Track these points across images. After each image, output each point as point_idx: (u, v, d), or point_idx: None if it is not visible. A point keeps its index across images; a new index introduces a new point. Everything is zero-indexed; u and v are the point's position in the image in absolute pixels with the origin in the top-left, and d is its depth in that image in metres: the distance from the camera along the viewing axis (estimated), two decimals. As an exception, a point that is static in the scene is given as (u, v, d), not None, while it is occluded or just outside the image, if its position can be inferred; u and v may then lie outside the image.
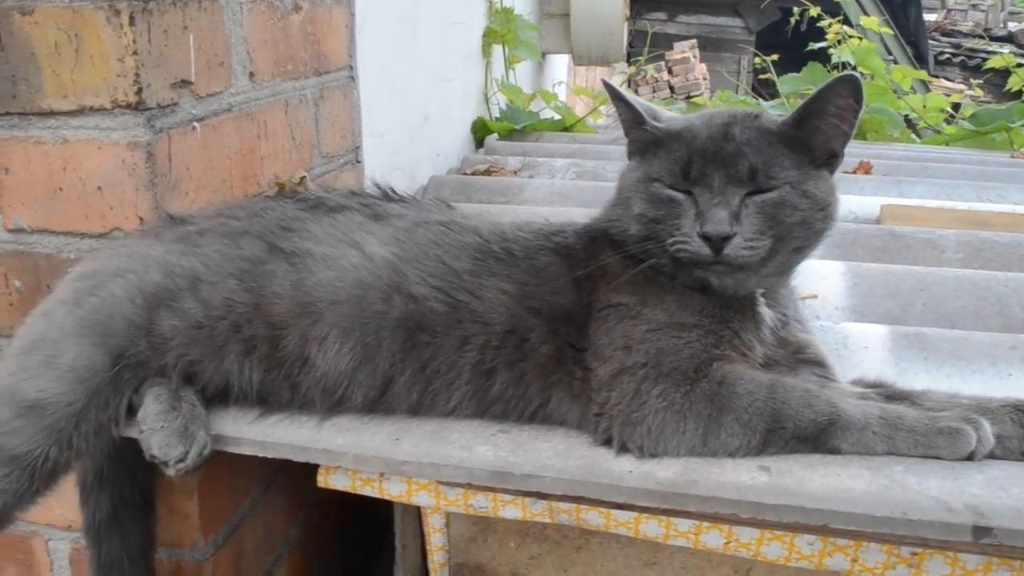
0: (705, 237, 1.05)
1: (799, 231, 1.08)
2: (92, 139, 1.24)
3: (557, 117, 3.25)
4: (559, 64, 4.86)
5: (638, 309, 1.09)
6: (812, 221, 1.09)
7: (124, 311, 1.10)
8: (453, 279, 1.13)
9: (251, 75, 1.49)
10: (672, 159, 1.10)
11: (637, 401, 1.03)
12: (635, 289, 1.11)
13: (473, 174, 2.40)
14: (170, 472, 1.03)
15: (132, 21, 1.19)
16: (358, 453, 1.04)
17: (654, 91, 7.57)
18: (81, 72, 1.21)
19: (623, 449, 1.03)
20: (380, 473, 1.19)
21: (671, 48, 8.49)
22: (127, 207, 1.25)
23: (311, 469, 1.80)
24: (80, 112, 1.23)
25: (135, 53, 1.19)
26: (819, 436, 1.01)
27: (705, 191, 1.07)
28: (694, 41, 8.92)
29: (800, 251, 1.12)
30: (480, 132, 3.03)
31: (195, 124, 1.33)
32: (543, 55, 4.12)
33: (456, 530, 1.36)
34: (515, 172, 2.43)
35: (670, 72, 8.18)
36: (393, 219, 1.21)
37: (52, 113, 1.24)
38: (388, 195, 1.29)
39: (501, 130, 3.00)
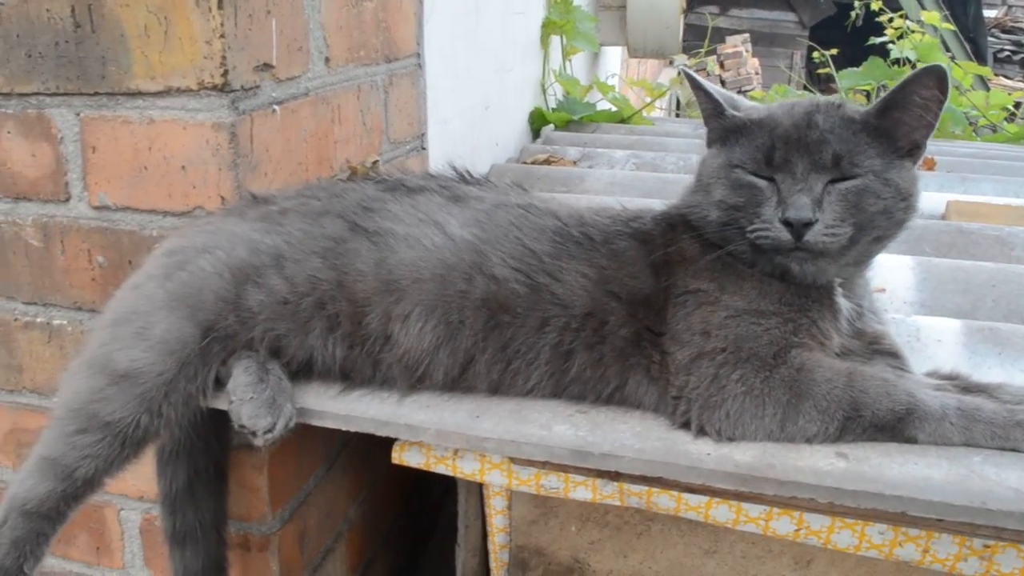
0: (787, 223, 1.05)
1: (880, 220, 1.08)
2: (178, 119, 1.27)
3: (613, 109, 3.25)
4: (612, 57, 4.85)
5: (716, 295, 1.10)
6: (894, 211, 1.09)
7: (213, 285, 1.14)
8: (533, 261, 1.14)
9: (327, 60, 1.51)
10: (754, 146, 1.10)
11: (716, 385, 1.04)
12: (713, 276, 1.12)
13: (533, 163, 2.41)
14: (258, 442, 1.06)
15: (220, 4, 1.21)
16: (440, 429, 1.06)
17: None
18: (169, 54, 1.24)
19: (701, 432, 1.04)
20: (454, 451, 1.21)
21: (723, 42, 8.42)
22: (210, 186, 1.28)
23: (372, 450, 1.85)
24: (167, 93, 1.26)
25: (222, 36, 1.22)
26: (896, 425, 1.02)
27: (788, 177, 1.08)
28: (746, 35, 8.84)
29: (879, 241, 1.12)
30: (537, 123, 3.03)
31: (275, 107, 1.36)
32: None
33: (518, 513, 1.38)
34: (575, 162, 2.44)
35: (722, 66, 8.11)
36: (472, 201, 1.23)
37: (140, 93, 1.27)
38: (465, 177, 1.31)
39: (558, 121, 3.01)
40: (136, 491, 1.53)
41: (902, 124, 1.09)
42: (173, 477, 1.31)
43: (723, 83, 7.98)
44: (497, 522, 1.41)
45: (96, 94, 1.30)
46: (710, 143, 1.21)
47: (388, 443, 1.91)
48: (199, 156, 1.27)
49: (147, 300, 1.14)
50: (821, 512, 1.08)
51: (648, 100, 3.66)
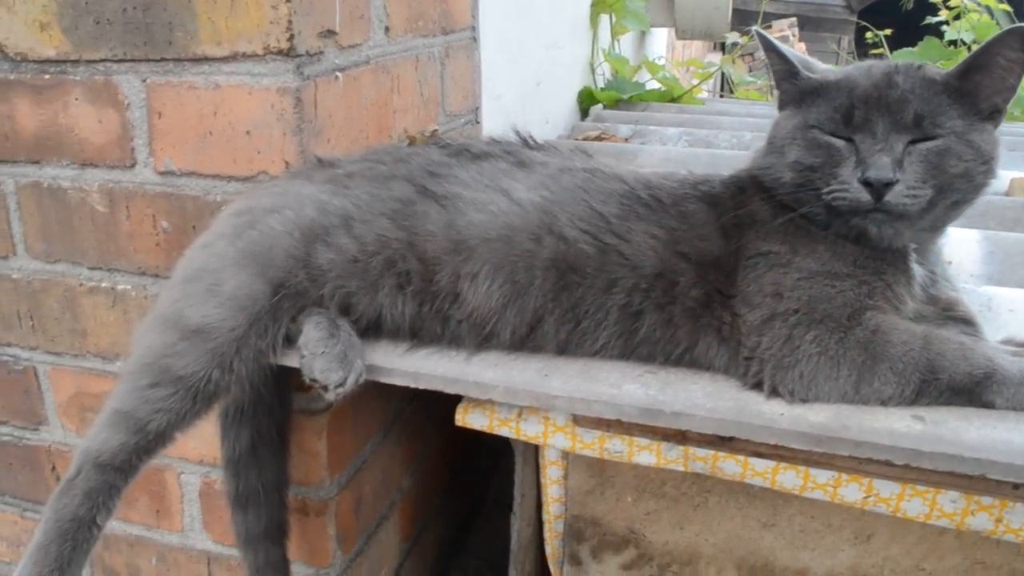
0: (866, 183, 1.04)
1: (960, 183, 1.06)
2: (243, 84, 1.28)
3: (662, 89, 3.22)
4: (658, 40, 4.81)
5: (788, 257, 1.09)
6: (974, 174, 1.07)
7: (283, 244, 1.15)
8: (601, 223, 1.14)
9: (387, 29, 1.52)
10: (832, 106, 1.09)
11: (789, 346, 1.03)
12: (785, 238, 1.11)
13: (584, 140, 2.40)
14: (328, 396, 1.07)
15: (286, -30, 1.22)
16: (508, 386, 1.06)
17: (750, 69, 7.41)
18: (235, 19, 1.25)
19: (774, 393, 1.04)
20: (518, 413, 1.21)
21: (770, 27, 8.30)
22: (274, 151, 1.29)
23: (425, 422, 1.86)
24: (233, 58, 1.27)
25: (288, 1, 1.23)
26: (974, 389, 1.00)
27: (868, 137, 1.06)
28: (794, 19, 8.70)
29: (957, 206, 1.10)
30: (586, 102, 3.02)
31: (338, 74, 1.36)
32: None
33: (574, 482, 1.37)
34: (626, 139, 2.43)
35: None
36: (537, 166, 1.23)
37: (206, 59, 1.28)
38: (528, 143, 1.31)
39: (607, 100, 2.99)
40: (196, 455, 1.56)
41: (984, 86, 1.07)
42: (236, 440, 1.33)
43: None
44: (552, 492, 1.41)
45: (163, 60, 1.31)
46: (782, 105, 1.19)
47: (442, 414, 1.92)
48: (264, 121, 1.28)
49: (217, 258, 1.15)
50: (892, 479, 1.07)
51: (695, 82, 3.62)
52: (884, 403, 1.01)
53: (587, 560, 1.42)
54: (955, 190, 1.07)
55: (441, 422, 1.95)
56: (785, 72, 1.17)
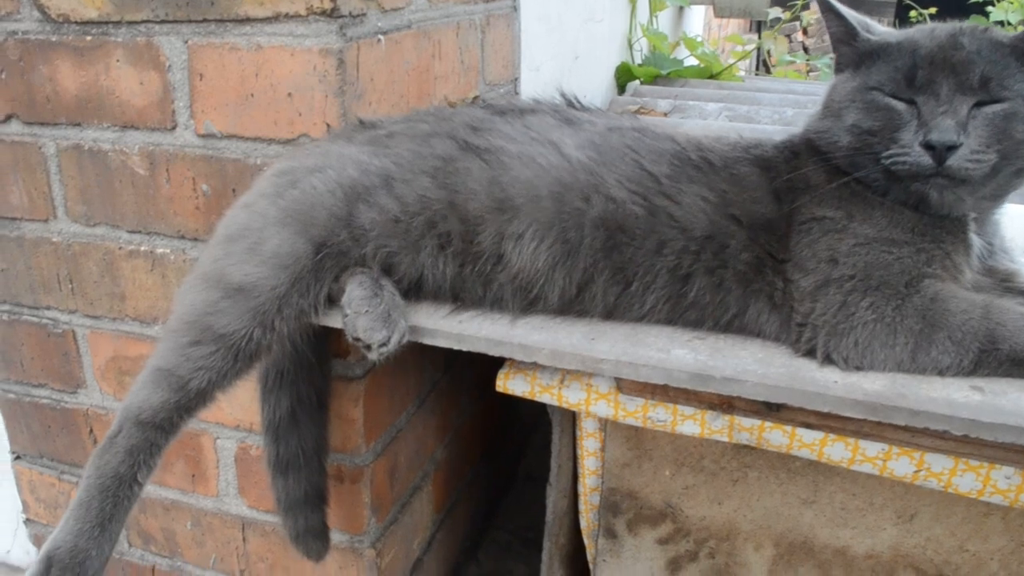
0: (928, 146, 1.00)
1: None
2: (285, 46, 1.26)
3: (700, 66, 3.17)
4: (695, 18, 4.74)
5: (844, 223, 1.06)
6: None
7: (325, 202, 1.13)
8: (651, 184, 1.12)
9: (429, -7, 1.50)
10: (894, 67, 1.06)
11: (844, 312, 1.00)
12: (840, 203, 1.08)
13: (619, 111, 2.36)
14: (372, 356, 1.06)
15: (330, -71, 1.20)
16: (555, 349, 1.04)
17: (788, 51, 7.29)
18: (279, -22, 1.24)
19: (827, 360, 1.01)
20: (560, 380, 1.19)
21: (808, 7, 8.16)
22: (316, 113, 1.28)
23: (460, 392, 1.85)
24: (275, 19, 1.26)
25: (332, -40, 1.21)
26: None
27: (931, 99, 1.03)
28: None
29: (1021, 174, 1.07)
30: (623, 77, 2.98)
31: (380, 36, 1.34)
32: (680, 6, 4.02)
33: (611, 455, 1.36)
34: (665, 114, 2.39)
35: (804, 33, 7.89)
36: (585, 124, 1.20)
37: (248, 20, 1.27)
38: (573, 104, 1.28)
39: (645, 75, 2.95)
40: (232, 420, 1.56)
41: None
42: (276, 405, 1.33)
43: (806, 50, 7.75)
44: (589, 464, 1.39)
45: (205, 21, 1.30)
46: (840, 68, 1.16)
47: (477, 386, 1.92)
48: (306, 83, 1.27)
49: (260, 217, 1.14)
50: (945, 452, 1.04)
51: (733, 61, 3.56)
52: (941, 373, 0.99)
53: (622, 534, 1.41)
54: (1020, 156, 1.03)
55: (475, 394, 1.95)
56: (843, 34, 1.14)
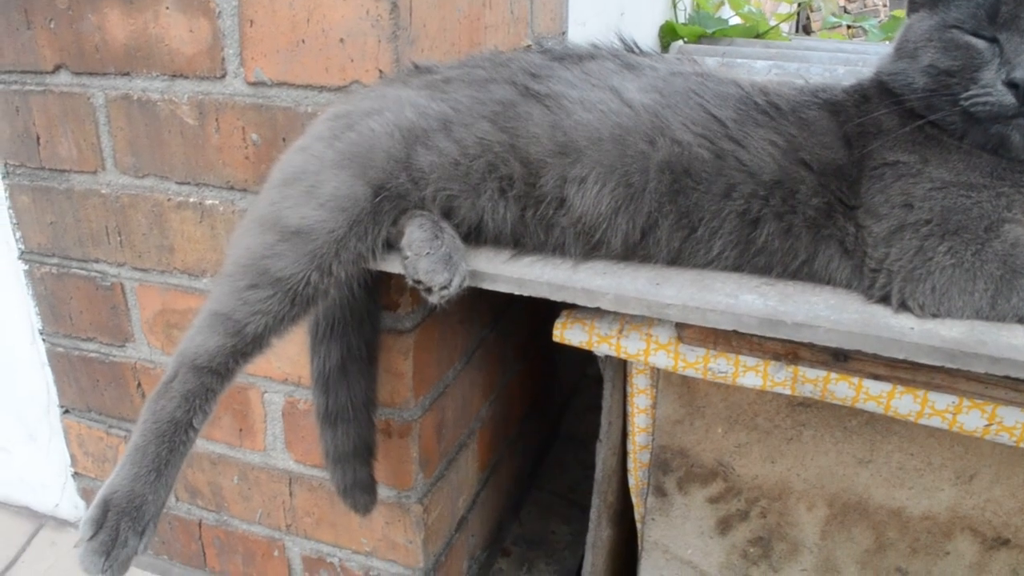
0: (1012, 84, 0.96)
1: None
2: (338, -11, 1.24)
3: (746, 25, 3.11)
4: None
5: (919, 167, 1.02)
6: None
7: (383, 145, 1.11)
8: (717, 128, 1.08)
9: (480, -61, 1.46)
10: (975, 3, 1.01)
11: (921, 258, 0.97)
12: (914, 148, 1.04)
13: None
14: (433, 299, 1.04)
15: None
16: (619, 294, 1.01)
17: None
18: (332, -81, 1.21)
19: (902, 307, 0.98)
20: (619, 330, 1.17)
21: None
22: (368, 59, 1.26)
23: (506, 350, 1.83)
24: (328, -38, 1.23)
25: (386, -101, 1.18)
26: None
27: (1015, 35, 0.98)
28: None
29: None
30: (667, 37, 2.92)
31: (433, -19, 1.32)
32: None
33: (662, 412, 1.34)
34: (713, 71, 2.34)
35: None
36: (646, 69, 1.17)
37: (300, -37, 1.25)
38: (633, 49, 1.25)
39: (690, 35, 2.89)
40: (280, 374, 1.55)
41: None
42: (327, 356, 1.32)
43: (846, 12, 7.61)
44: (639, 421, 1.37)
45: (256, -36, 1.28)
46: (914, 8, 1.11)
47: (521, 344, 1.90)
48: (358, 28, 1.24)
49: (316, 160, 1.12)
50: (1019, 405, 1.01)
51: (775, 22, 3.48)
52: (1022, 320, 0.95)
53: (672, 492, 1.39)
54: None
55: (520, 353, 1.93)
56: None
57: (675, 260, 1.09)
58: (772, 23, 3.31)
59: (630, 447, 1.43)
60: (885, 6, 7.59)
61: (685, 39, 2.90)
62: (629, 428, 1.41)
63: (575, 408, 2.44)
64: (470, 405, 1.71)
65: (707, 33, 2.91)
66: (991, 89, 0.98)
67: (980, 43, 1.01)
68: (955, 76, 1.02)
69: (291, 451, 1.62)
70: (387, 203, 1.10)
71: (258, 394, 1.60)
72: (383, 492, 1.53)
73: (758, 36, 3.01)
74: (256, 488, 1.69)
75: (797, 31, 6.00)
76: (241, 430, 1.65)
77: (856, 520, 1.28)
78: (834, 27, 4.17)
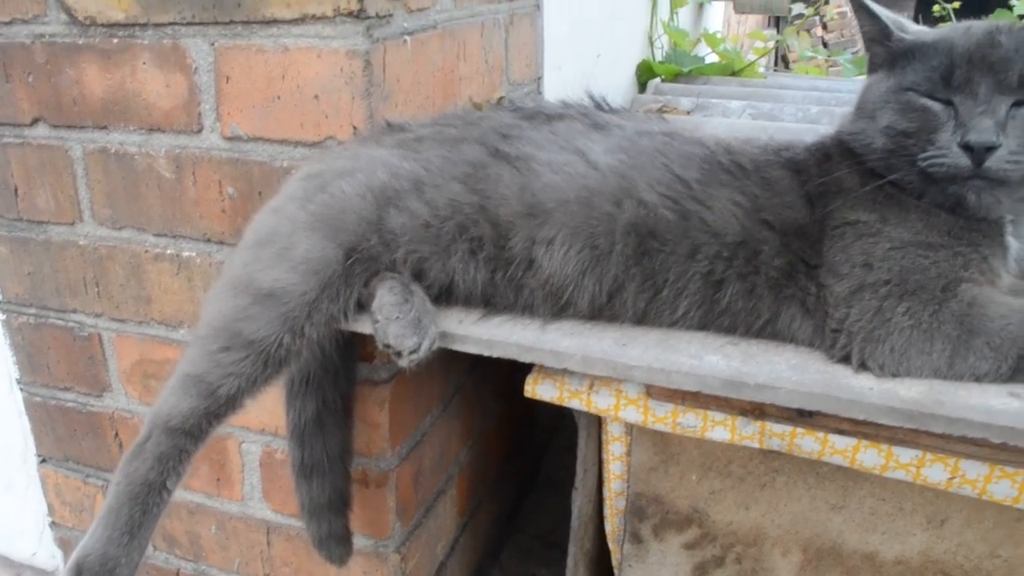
0: (966, 147, 0.99)
1: None
2: (312, 47, 1.26)
3: (722, 62, 3.15)
4: (715, 14, 4.72)
5: (879, 227, 1.04)
6: None
7: (355, 207, 1.13)
8: (682, 188, 1.10)
9: (454, -6, 1.49)
10: (930, 67, 1.04)
11: (880, 318, 0.99)
12: (874, 207, 1.06)
13: (646, 112, 2.35)
14: (403, 362, 1.05)
15: (356, -69, 1.20)
16: (585, 355, 1.03)
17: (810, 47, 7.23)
18: (306, -20, 1.23)
19: (862, 367, 1.00)
20: (589, 385, 1.18)
21: (827, 3, 8.11)
22: (342, 116, 1.27)
23: (484, 395, 1.84)
24: (302, 20, 1.25)
25: (358, -38, 1.20)
26: None
27: (968, 99, 1.01)
28: (852, -4, 8.50)
29: None
30: (644, 75, 2.96)
31: (406, 38, 1.34)
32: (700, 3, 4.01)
33: (637, 459, 1.35)
34: (688, 112, 2.37)
35: (824, 28, 7.84)
36: (614, 129, 1.19)
37: (275, 21, 1.27)
38: (602, 106, 1.27)
39: (667, 73, 2.93)
40: (258, 423, 1.56)
41: None
42: (302, 409, 1.32)
43: (825, 45, 7.71)
44: (615, 468, 1.38)
45: (231, 23, 1.29)
46: (873, 69, 1.14)
47: (500, 389, 1.91)
48: (332, 84, 1.26)
49: (289, 221, 1.14)
50: (980, 459, 1.03)
51: (753, 57, 3.53)
52: (979, 379, 0.97)
53: (648, 538, 1.40)
54: None
55: (499, 397, 1.94)
56: (876, 33, 1.12)
57: (642, 320, 1.11)
58: (751, 57, 3.37)
59: (606, 494, 1.44)
60: (862, 37, 7.69)
61: (662, 77, 2.94)
62: (605, 475, 1.42)
63: (556, 448, 2.45)
64: (448, 452, 1.72)
65: (683, 71, 2.96)
66: (947, 151, 1.01)
67: (936, 105, 1.04)
68: (912, 137, 1.04)
69: (269, 501, 1.62)
70: (359, 265, 1.12)
71: (236, 444, 1.60)
72: (361, 542, 1.53)
73: (734, 74, 3.06)
74: (234, 538, 1.69)
75: (776, 63, 6.08)
76: (219, 480, 1.65)
77: (830, 565, 1.29)
78: (810, 59, 4.24)
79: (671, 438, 1.28)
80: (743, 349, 1.05)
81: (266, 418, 1.54)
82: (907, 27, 1.13)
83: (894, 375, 0.99)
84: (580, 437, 1.42)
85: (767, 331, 1.08)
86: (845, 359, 1.02)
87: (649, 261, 1.08)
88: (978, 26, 1.06)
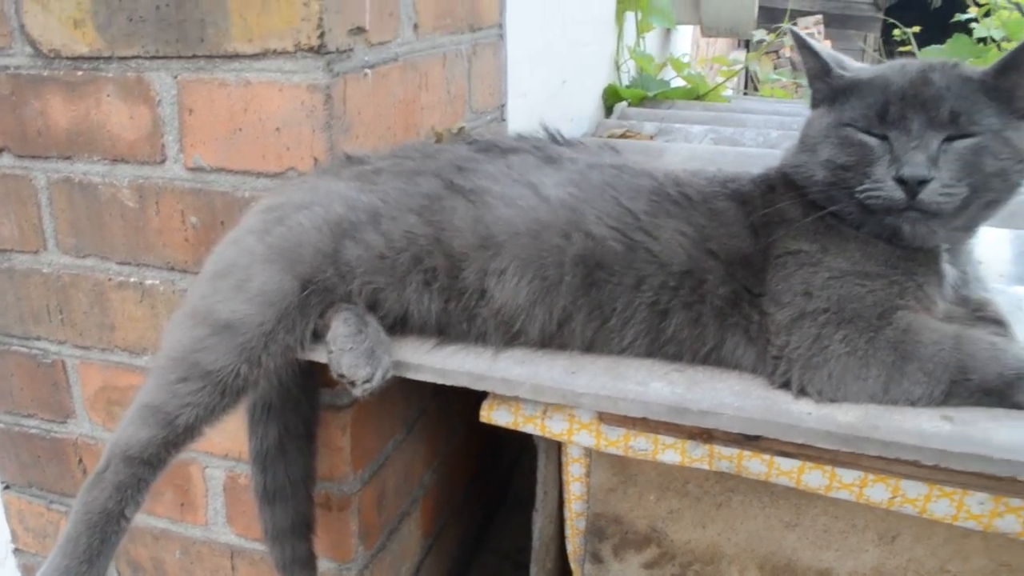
0: (900, 181, 1.03)
1: (995, 182, 1.05)
2: (274, 81, 1.28)
3: (687, 86, 3.21)
4: (683, 37, 4.79)
5: (819, 256, 1.08)
6: (1010, 172, 1.05)
7: (311, 239, 1.15)
8: (630, 220, 1.14)
9: (415, 27, 1.52)
10: (866, 104, 1.08)
11: (818, 346, 1.02)
12: (815, 237, 1.10)
13: (609, 137, 2.40)
14: (356, 392, 1.07)
15: (317, -33, 1.23)
16: (535, 383, 1.06)
17: (775, 67, 7.37)
18: (267, 16, 1.26)
19: (802, 393, 1.03)
20: (543, 410, 1.21)
21: (795, 24, 8.25)
22: (303, 148, 1.30)
23: (449, 419, 1.86)
24: (264, 55, 1.28)
25: (319, -2, 1.23)
26: (1005, 390, 0.99)
27: (902, 135, 1.05)
28: (819, 17, 8.65)
29: (992, 205, 1.09)
30: (611, 100, 3.01)
31: (367, 71, 1.37)
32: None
33: (596, 480, 1.38)
34: (651, 137, 2.42)
35: (792, 49, 7.97)
36: (566, 162, 1.23)
37: (237, 56, 1.29)
38: (556, 139, 1.31)
39: (632, 97, 2.98)
40: (221, 449, 1.57)
41: (1020, 85, 1.06)
42: (264, 435, 1.34)
43: (793, 65, 7.83)
44: (574, 489, 1.41)
45: (194, 57, 1.32)
46: (815, 104, 1.19)
47: (465, 411, 1.93)
48: (294, 118, 1.29)
49: (247, 253, 1.16)
50: (919, 479, 1.06)
51: (720, 80, 3.60)
52: (913, 403, 1.01)
53: (608, 558, 1.42)
54: (990, 189, 1.05)
55: (464, 419, 1.96)
56: (818, 70, 1.16)
57: (590, 348, 1.14)
58: (719, 80, 3.43)
59: (567, 514, 1.46)
60: (830, 57, 7.81)
61: (628, 102, 2.99)
62: (565, 496, 1.44)
63: (523, 468, 2.46)
64: (412, 474, 1.73)
65: (649, 96, 3.01)
66: (882, 184, 1.05)
67: (872, 140, 1.08)
68: (850, 171, 1.08)
69: (233, 525, 1.63)
70: (315, 297, 1.14)
71: (199, 469, 1.61)
72: (324, 565, 1.54)
73: (698, 98, 3.11)
74: (198, 562, 1.69)
75: (746, 87, 6.17)
76: (183, 505, 1.66)
77: (786, 582, 1.32)
78: (775, 82, 4.32)
79: (629, 460, 1.31)
80: (688, 376, 1.08)
81: (229, 443, 1.56)
82: (847, 65, 1.17)
83: (832, 400, 1.02)
84: (539, 459, 1.44)
85: (712, 358, 1.12)
86: (785, 385, 1.05)
87: (597, 291, 1.12)
88: (912, 64, 1.11)
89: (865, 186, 1.06)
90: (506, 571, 2.10)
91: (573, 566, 1.50)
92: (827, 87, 1.16)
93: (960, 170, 1.03)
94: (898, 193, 1.04)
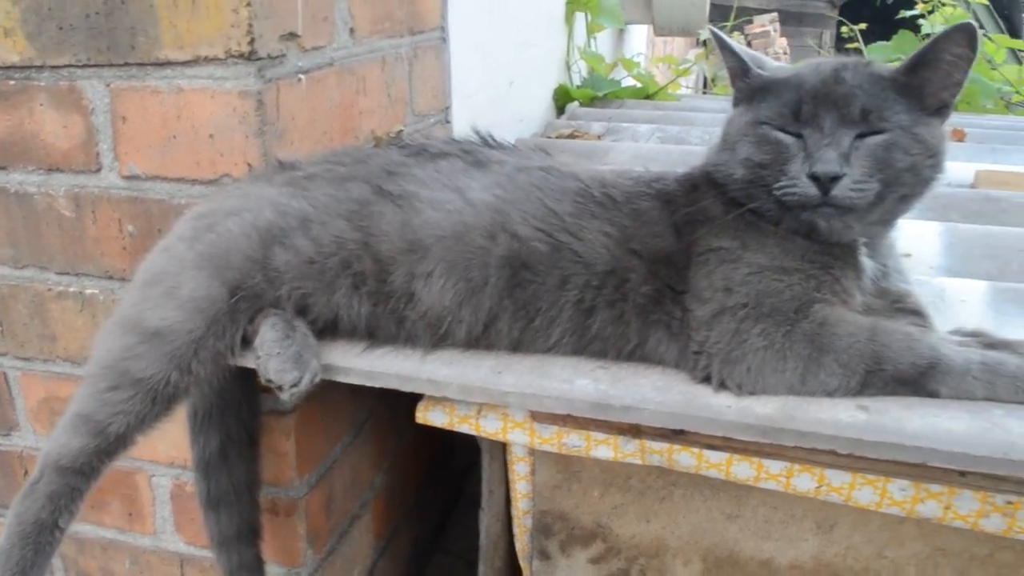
0: (814, 177, 1.05)
1: (907, 177, 1.08)
2: (205, 88, 1.29)
3: (638, 86, 3.24)
4: (638, 36, 4.83)
5: (739, 253, 1.10)
6: (921, 167, 1.08)
7: (240, 246, 1.16)
8: (555, 221, 1.15)
9: (351, 31, 1.53)
10: (782, 102, 1.11)
11: (737, 340, 1.05)
12: (736, 234, 1.12)
13: (557, 138, 2.42)
14: (284, 396, 1.08)
15: (246, -27, 1.23)
16: (463, 384, 1.07)
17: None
18: (197, 23, 1.26)
19: (722, 386, 1.05)
20: (477, 410, 1.22)
21: (751, 22, 8.34)
22: (237, 154, 1.30)
23: (397, 420, 1.87)
24: (195, 62, 1.28)
25: (248, 4, 1.23)
26: (919, 379, 1.02)
27: (816, 132, 1.08)
28: (775, 15, 8.74)
29: (905, 200, 1.12)
30: (561, 99, 3.03)
31: (301, 76, 1.37)
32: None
33: (541, 478, 1.39)
34: (599, 136, 2.44)
35: (749, 46, 8.04)
36: (494, 165, 1.24)
37: (168, 63, 1.29)
38: (487, 142, 1.32)
39: (583, 97, 3.00)
40: (167, 457, 1.57)
41: (931, 82, 1.09)
42: (206, 443, 1.34)
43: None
44: (520, 487, 1.42)
45: (126, 64, 1.32)
46: (736, 103, 1.21)
47: (412, 412, 1.94)
48: (226, 124, 1.29)
49: (176, 261, 1.16)
50: (842, 468, 1.09)
51: (674, 79, 3.64)
52: (830, 394, 1.03)
53: (556, 555, 1.43)
54: (902, 184, 1.08)
55: (412, 421, 1.96)
56: (738, 69, 1.19)
57: (517, 347, 1.16)
58: (677, 79, 3.47)
59: (514, 512, 1.47)
60: (786, 53, 7.91)
61: (579, 102, 3.01)
62: (512, 494, 1.45)
63: (479, 468, 2.47)
64: (361, 477, 1.74)
65: (599, 95, 3.03)
66: (797, 181, 1.07)
67: (787, 138, 1.10)
68: (767, 168, 1.11)
69: (181, 533, 1.63)
70: (244, 303, 1.15)
71: (146, 478, 1.61)
72: (273, 570, 1.54)
73: (648, 97, 3.14)
74: (148, 572, 1.69)
75: (704, 85, 6.22)
76: (130, 514, 1.65)
77: (730, 573, 1.34)
78: (726, 80, 4.36)
79: (572, 457, 1.32)
80: (613, 373, 1.10)
81: (175, 451, 1.55)
82: (765, 64, 1.20)
83: (751, 393, 1.04)
84: (483, 458, 1.45)
85: (636, 355, 1.13)
86: (706, 379, 1.07)
87: (522, 291, 1.13)
88: (827, 63, 1.14)
89: (781, 183, 1.09)
90: (461, 570, 2.11)
91: (522, 564, 1.51)
92: (746, 86, 1.18)
93: (871, 166, 1.06)
94: (812, 189, 1.06)
